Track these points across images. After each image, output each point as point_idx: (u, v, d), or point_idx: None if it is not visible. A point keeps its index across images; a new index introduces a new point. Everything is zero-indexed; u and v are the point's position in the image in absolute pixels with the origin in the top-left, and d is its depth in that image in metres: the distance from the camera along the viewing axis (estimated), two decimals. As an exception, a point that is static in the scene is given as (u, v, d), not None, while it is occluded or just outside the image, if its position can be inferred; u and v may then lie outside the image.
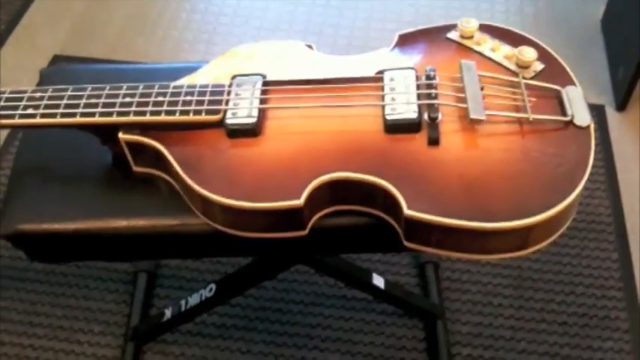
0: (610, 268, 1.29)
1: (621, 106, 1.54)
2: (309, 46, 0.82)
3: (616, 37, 1.64)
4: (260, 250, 0.80)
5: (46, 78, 0.88)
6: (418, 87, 0.73)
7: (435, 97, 0.72)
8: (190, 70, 0.81)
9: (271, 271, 1.00)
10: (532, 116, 0.70)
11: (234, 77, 0.77)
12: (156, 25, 1.76)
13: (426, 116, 0.71)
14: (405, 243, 0.70)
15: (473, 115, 0.69)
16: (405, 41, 0.81)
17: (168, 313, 1.11)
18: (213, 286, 1.05)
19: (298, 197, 0.67)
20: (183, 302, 1.09)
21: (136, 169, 0.78)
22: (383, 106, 0.72)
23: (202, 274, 1.27)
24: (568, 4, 1.80)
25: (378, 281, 1.11)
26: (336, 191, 0.70)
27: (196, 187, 0.69)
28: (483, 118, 0.69)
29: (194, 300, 1.07)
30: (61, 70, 1.06)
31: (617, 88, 1.57)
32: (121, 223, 0.75)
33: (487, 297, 1.24)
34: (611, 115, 1.54)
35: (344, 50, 1.68)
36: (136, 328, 1.16)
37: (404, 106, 0.71)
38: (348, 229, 0.75)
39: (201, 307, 1.06)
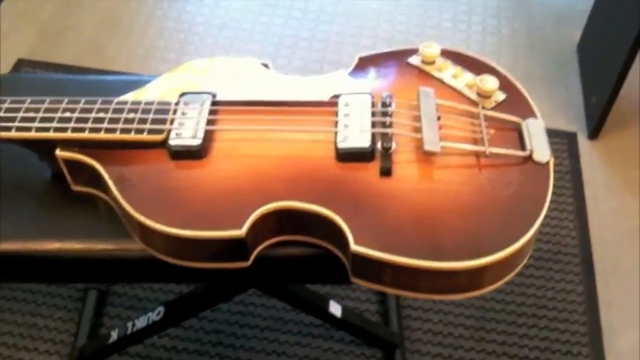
0: (574, 302, 1.26)
1: (593, 134, 1.52)
2: (266, 65, 0.78)
3: (591, 62, 1.62)
4: (202, 278, 0.76)
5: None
6: (373, 114, 0.70)
7: (390, 125, 0.68)
8: (142, 82, 0.77)
9: (222, 296, 0.96)
10: (489, 150, 0.67)
11: (182, 94, 0.73)
12: (127, 32, 1.72)
13: (379, 145, 0.67)
14: (353, 279, 0.66)
15: (427, 147, 0.66)
16: (365, 64, 0.78)
17: (114, 334, 1.06)
18: (161, 309, 1.00)
19: (240, 227, 0.63)
20: (130, 324, 1.04)
21: (75, 187, 0.73)
22: (335, 133, 0.69)
23: (155, 292, 1.22)
24: (545, 27, 1.78)
25: (335, 309, 1.08)
26: (281, 221, 0.66)
27: (132, 212, 0.65)
28: (438, 150, 0.66)
29: (141, 323, 1.02)
30: (15, 78, 1.00)
31: (590, 115, 1.55)
32: (54, 245, 0.70)
33: (448, 327, 1.21)
34: (583, 142, 1.52)
35: (318, 64, 1.65)
36: (81, 349, 1.11)
37: (357, 133, 0.68)
38: (295, 259, 0.71)
39: (148, 331, 1.02)
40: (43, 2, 1.77)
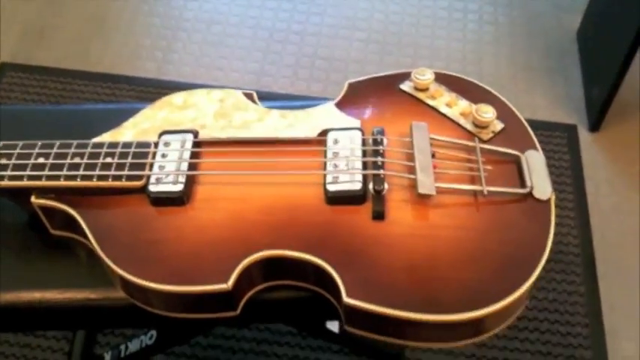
0: (576, 303, 1.24)
1: (595, 126, 1.49)
2: (250, 95, 0.74)
3: (592, 51, 1.58)
4: (191, 325, 0.73)
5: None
6: (364, 153, 0.66)
7: (382, 165, 0.65)
8: (119, 113, 0.74)
9: (215, 324, 0.93)
10: (487, 189, 0.64)
11: (162, 134, 0.69)
12: (112, 30, 1.67)
13: (370, 186, 0.64)
14: (346, 327, 0.63)
15: (421, 190, 0.63)
16: (355, 91, 0.74)
17: (107, 357, 1.04)
18: (154, 333, 0.98)
19: (226, 280, 0.60)
20: (123, 347, 1.02)
21: (54, 232, 0.70)
22: (324, 175, 0.65)
23: (149, 309, 1.20)
24: (543, 14, 1.73)
25: (332, 325, 1.05)
26: (270, 268, 0.63)
27: (113, 267, 0.62)
28: (433, 193, 0.63)
29: (134, 346, 1.00)
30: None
31: (591, 107, 1.51)
32: (34, 295, 0.67)
33: (448, 335, 1.19)
34: (584, 135, 1.48)
35: (310, 59, 1.61)
36: (75, 371, 1.09)
37: (347, 175, 0.64)
38: (286, 302, 0.68)
39: (141, 354, 1.00)
40: (26, 1, 1.72)
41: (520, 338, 1.19)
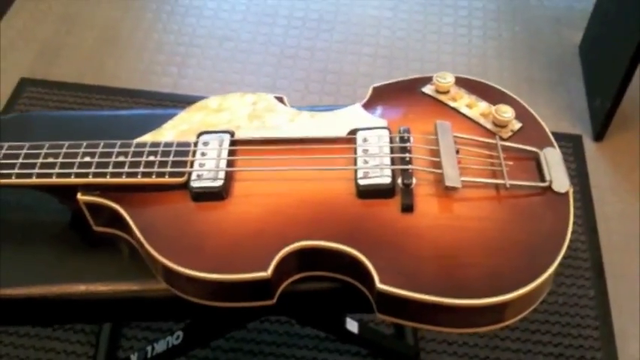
0: (586, 307, 1.27)
1: (599, 136, 1.53)
2: (280, 99, 0.79)
3: (594, 64, 1.63)
4: (228, 315, 0.76)
5: (4, 128, 0.84)
6: (392, 150, 0.70)
7: (409, 161, 0.69)
8: (155, 117, 0.78)
9: (240, 322, 0.97)
10: (509, 182, 0.68)
11: (200, 134, 0.73)
12: (127, 47, 1.72)
13: (399, 181, 0.68)
14: (378, 314, 0.67)
15: (448, 183, 0.67)
16: (379, 95, 0.78)
17: (134, 359, 1.07)
18: (180, 333, 1.01)
19: (265, 269, 0.64)
20: (149, 348, 1.05)
21: (97, 228, 0.74)
22: (355, 170, 0.69)
23: (171, 313, 1.23)
24: (545, 29, 1.79)
25: (352, 326, 1.08)
26: (305, 259, 0.67)
27: (157, 256, 0.65)
28: (459, 186, 0.67)
29: (160, 347, 1.03)
30: (21, 118, 1.00)
31: (594, 117, 1.55)
32: (79, 288, 0.71)
33: (463, 337, 1.22)
34: (588, 145, 1.53)
35: (320, 74, 1.66)
36: (100, 374, 1.12)
37: (377, 170, 0.68)
38: (319, 293, 0.72)
39: (167, 355, 1.02)
40: (42, 20, 1.77)
41: (532, 340, 1.22)
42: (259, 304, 0.68)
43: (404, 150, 0.70)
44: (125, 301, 0.72)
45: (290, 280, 0.69)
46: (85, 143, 0.72)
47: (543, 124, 0.74)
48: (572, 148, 1.51)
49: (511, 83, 1.65)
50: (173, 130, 0.75)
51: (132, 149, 0.71)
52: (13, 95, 1.58)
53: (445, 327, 0.66)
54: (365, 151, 0.70)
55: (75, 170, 0.70)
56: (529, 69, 1.69)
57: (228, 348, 1.19)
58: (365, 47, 1.74)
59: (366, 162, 0.70)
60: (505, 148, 0.71)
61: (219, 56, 1.71)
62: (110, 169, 0.69)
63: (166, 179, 0.69)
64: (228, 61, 1.70)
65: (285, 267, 0.66)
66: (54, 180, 0.70)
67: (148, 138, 0.74)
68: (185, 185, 0.69)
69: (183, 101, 1.52)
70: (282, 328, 1.22)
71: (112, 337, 1.18)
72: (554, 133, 0.74)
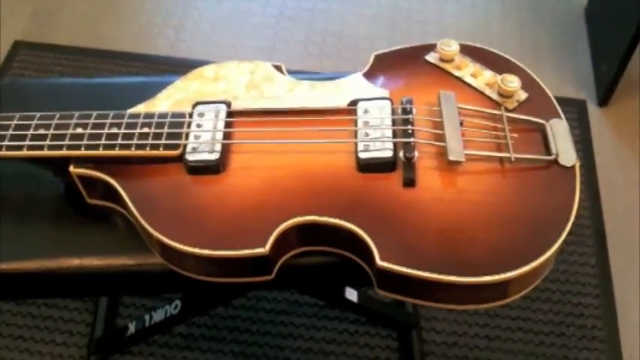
0: (588, 274, 1.26)
1: (603, 101, 1.50)
2: (278, 67, 0.76)
3: (600, 27, 1.59)
4: (225, 289, 0.75)
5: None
6: (394, 122, 0.68)
7: (412, 134, 0.67)
8: (150, 86, 0.75)
9: (239, 292, 0.96)
10: (514, 155, 0.66)
11: (195, 104, 0.71)
12: (122, 9, 1.68)
13: (401, 154, 0.66)
14: (378, 290, 0.65)
15: (452, 157, 0.65)
16: (381, 63, 0.76)
17: (132, 327, 1.07)
18: (178, 302, 1.00)
19: (263, 245, 0.62)
20: (147, 317, 1.04)
21: (90, 201, 0.72)
22: (356, 142, 0.67)
23: (170, 281, 1.22)
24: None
25: (351, 294, 1.08)
26: (304, 234, 0.65)
27: (152, 231, 0.64)
28: (463, 159, 0.65)
29: (158, 316, 1.03)
30: (17, 85, 0.97)
31: (599, 83, 1.52)
32: (74, 262, 0.70)
33: (463, 305, 1.21)
34: (593, 110, 1.50)
35: (320, 36, 1.62)
36: (99, 341, 1.12)
37: (378, 143, 0.66)
38: (320, 267, 0.70)
39: (166, 324, 1.02)
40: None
41: (532, 308, 1.22)
42: (257, 279, 0.67)
43: (406, 122, 0.68)
44: (121, 274, 0.71)
45: (288, 255, 0.67)
46: (76, 114, 0.69)
47: (550, 94, 0.72)
48: (576, 113, 1.48)
49: (515, 46, 1.61)
50: (168, 100, 0.72)
51: (125, 120, 0.69)
52: (7, 58, 1.55)
53: (446, 304, 0.65)
54: (366, 123, 0.68)
55: (67, 142, 0.67)
56: (534, 32, 1.65)
57: (227, 315, 1.18)
58: (366, 9, 1.69)
59: (367, 134, 0.67)
60: (510, 120, 0.69)
61: (217, 18, 1.66)
62: (103, 141, 0.67)
63: (161, 151, 0.67)
64: (227, 23, 1.66)
65: (284, 242, 0.65)
66: (45, 152, 0.68)
67: (141, 108, 0.71)
68: (180, 158, 0.67)
69: (180, 65, 1.50)
70: (280, 295, 1.21)
71: (111, 305, 1.17)
72: (558, 98, 0.71)
